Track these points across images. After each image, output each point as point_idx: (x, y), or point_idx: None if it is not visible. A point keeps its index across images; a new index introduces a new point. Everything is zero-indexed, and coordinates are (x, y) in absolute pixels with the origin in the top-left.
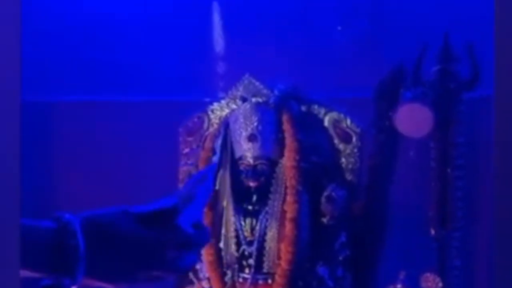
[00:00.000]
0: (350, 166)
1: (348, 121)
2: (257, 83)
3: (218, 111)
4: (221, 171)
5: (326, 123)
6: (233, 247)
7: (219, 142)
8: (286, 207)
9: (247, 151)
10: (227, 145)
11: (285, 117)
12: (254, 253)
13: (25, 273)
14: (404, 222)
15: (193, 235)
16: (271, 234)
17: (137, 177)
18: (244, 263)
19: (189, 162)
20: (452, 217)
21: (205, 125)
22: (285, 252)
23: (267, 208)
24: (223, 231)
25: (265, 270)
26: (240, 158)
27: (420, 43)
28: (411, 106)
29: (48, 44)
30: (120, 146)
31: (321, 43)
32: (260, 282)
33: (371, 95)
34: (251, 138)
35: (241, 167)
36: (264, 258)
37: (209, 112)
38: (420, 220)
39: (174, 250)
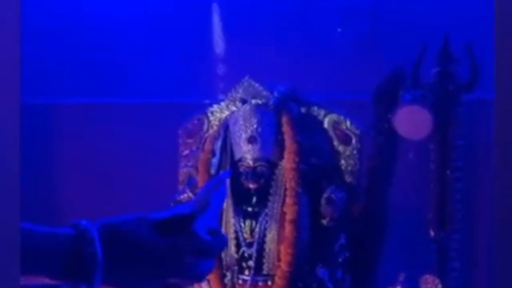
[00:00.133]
0: (349, 168)
1: (348, 123)
2: (257, 85)
3: (218, 113)
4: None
5: (325, 125)
6: (232, 249)
7: (218, 144)
8: (285, 209)
9: (246, 153)
10: (227, 147)
11: (284, 119)
12: (254, 255)
13: (42, 280)
14: (403, 223)
15: (210, 242)
16: (270, 236)
17: (137, 179)
18: (244, 264)
19: (189, 164)
20: (451, 219)
21: (205, 127)
22: (285, 253)
23: (266, 210)
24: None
25: (264, 272)
26: (240, 160)
27: (419, 44)
28: (410, 108)
29: (48, 46)
30: (120, 148)
31: (321, 44)
32: (260, 283)
33: (371, 97)
34: (251, 140)
35: (241, 169)
36: (264, 260)
37: (209, 114)
38: (420, 221)
39: (191, 257)
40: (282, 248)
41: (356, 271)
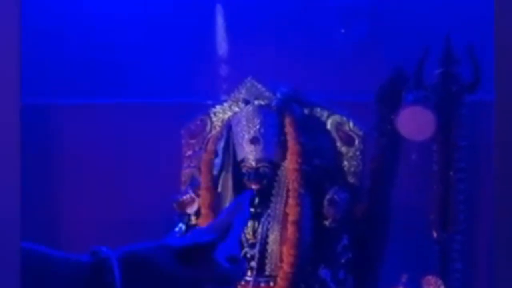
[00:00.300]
0: (352, 169)
1: (351, 124)
2: (260, 86)
3: (221, 113)
4: (223, 174)
5: (328, 126)
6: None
7: (221, 144)
8: (288, 210)
9: (249, 154)
10: (230, 148)
11: (287, 120)
12: (256, 256)
13: None
14: (406, 224)
15: (230, 271)
16: (273, 236)
17: (139, 180)
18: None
19: (191, 164)
20: (454, 220)
21: (208, 127)
22: (287, 254)
23: (269, 211)
24: None
25: (267, 273)
26: (242, 160)
27: (421, 45)
28: (413, 109)
29: (48, 46)
30: (122, 148)
31: (324, 46)
32: (262, 284)
33: (373, 98)
34: (253, 140)
35: (243, 170)
36: (266, 261)
37: (212, 115)
38: (422, 222)
39: (210, 286)
40: (284, 249)
41: (359, 272)
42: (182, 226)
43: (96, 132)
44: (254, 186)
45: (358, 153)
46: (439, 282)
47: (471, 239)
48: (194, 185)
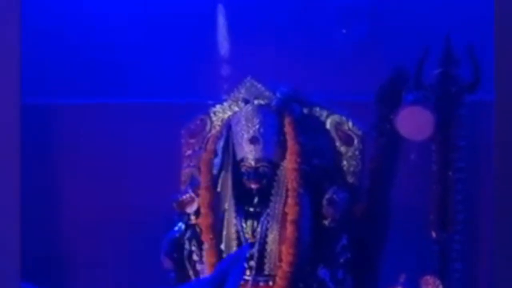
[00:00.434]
0: (351, 168)
1: (350, 124)
2: (259, 86)
3: (221, 113)
4: (223, 173)
5: (328, 126)
6: (234, 249)
7: (221, 144)
8: (287, 209)
9: (248, 153)
10: (229, 147)
11: (287, 120)
12: (255, 255)
13: None
14: (405, 224)
15: None
16: (272, 236)
17: (139, 179)
18: (245, 265)
19: (191, 164)
20: (453, 220)
21: (208, 127)
22: (286, 254)
23: (268, 210)
24: (224, 233)
25: (266, 272)
26: (242, 160)
27: (421, 46)
28: (413, 109)
29: (49, 46)
30: (122, 148)
31: (323, 46)
32: (261, 284)
33: (373, 98)
34: (253, 140)
35: (243, 169)
36: (265, 260)
37: (212, 115)
38: (421, 222)
39: None
40: (283, 248)
41: (357, 272)
42: (181, 225)
43: (97, 131)
44: (253, 186)
45: (357, 152)
46: (438, 282)
47: (470, 239)
48: (193, 184)
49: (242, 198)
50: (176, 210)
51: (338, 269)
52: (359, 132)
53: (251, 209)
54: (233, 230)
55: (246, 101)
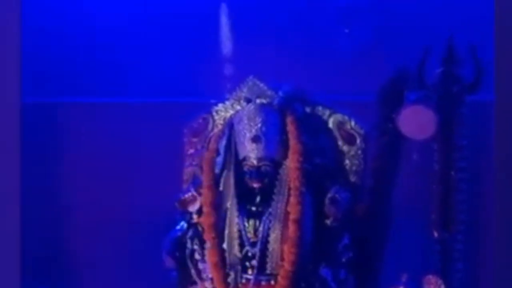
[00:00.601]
0: (354, 168)
1: (353, 123)
2: (262, 85)
3: (223, 112)
4: (225, 172)
5: (330, 125)
6: (236, 248)
7: (223, 143)
8: (289, 209)
9: (251, 152)
10: (231, 146)
11: (289, 119)
12: (257, 254)
13: None
14: (407, 224)
15: None
16: (274, 235)
17: (141, 178)
18: (247, 264)
19: (193, 163)
20: (455, 219)
21: (210, 126)
22: (288, 253)
23: (270, 210)
24: (226, 232)
25: (268, 271)
26: (244, 159)
27: (423, 45)
28: (415, 108)
29: (49, 46)
30: (124, 147)
31: (326, 46)
32: (263, 283)
33: (375, 98)
34: (255, 139)
35: (245, 168)
36: (267, 259)
37: (214, 113)
38: (423, 222)
39: None
40: (285, 247)
41: (359, 271)
42: (183, 224)
43: (99, 131)
44: (255, 185)
45: (359, 152)
46: (440, 281)
47: (472, 238)
48: (196, 183)
49: (244, 197)
50: (178, 209)
51: (340, 268)
52: (361, 131)
53: (253, 208)
54: (235, 229)
55: (248, 100)
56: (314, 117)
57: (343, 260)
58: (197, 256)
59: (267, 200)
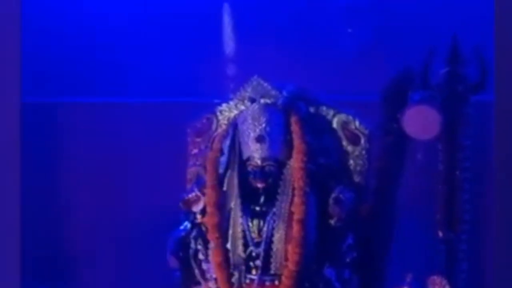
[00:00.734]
0: (358, 168)
1: (357, 123)
2: (266, 84)
3: (227, 112)
4: (229, 172)
5: (334, 125)
6: (240, 248)
7: (227, 143)
8: (293, 209)
9: (255, 152)
10: (235, 146)
11: (293, 119)
12: (261, 254)
13: None
14: (411, 224)
15: None
16: (278, 235)
17: (145, 178)
18: (251, 264)
19: (197, 163)
20: (459, 219)
21: (214, 126)
22: (292, 253)
23: (274, 209)
24: (230, 232)
25: (272, 271)
26: (248, 159)
27: (427, 45)
28: (419, 108)
29: (49, 46)
30: (128, 147)
31: (329, 45)
32: (267, 283)
33: (379, 98)
34: (259, 139)
35: (249, 168)
36: (271, 259)
37: (218, 113)
38: (428, 222)
39: None
40: (289, 247)
41: (364, 271)
42: (187, 224)
43: (101, 130)
44: (259, 185)
45: (363, 152)
46: (444, 282)
47: (477, 239)
48: (199, 183)
49: (248, 197)
50: (182, 209)
51: (344, 268)
52: (366, 131)
53: (257, 208)
54: (239, 229)
55: (253, 100)
56: (318, 117)
57: (347, 260)
58: (201, 256)
59: (271, 200)
